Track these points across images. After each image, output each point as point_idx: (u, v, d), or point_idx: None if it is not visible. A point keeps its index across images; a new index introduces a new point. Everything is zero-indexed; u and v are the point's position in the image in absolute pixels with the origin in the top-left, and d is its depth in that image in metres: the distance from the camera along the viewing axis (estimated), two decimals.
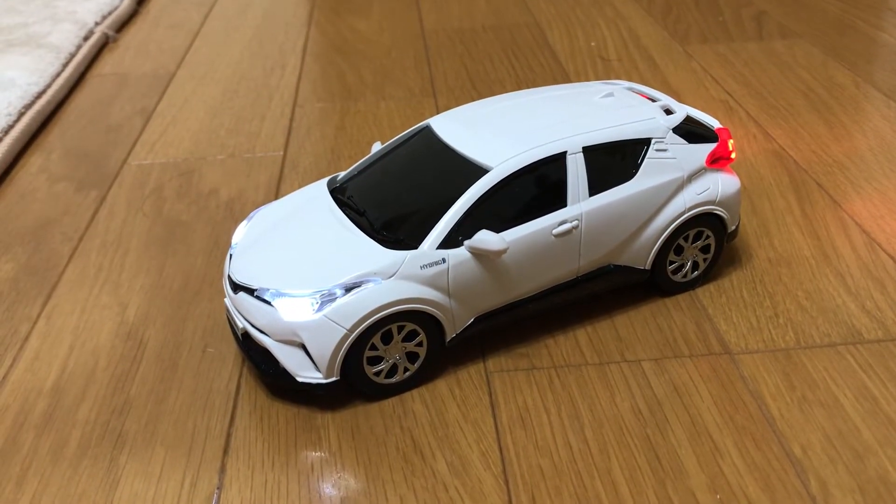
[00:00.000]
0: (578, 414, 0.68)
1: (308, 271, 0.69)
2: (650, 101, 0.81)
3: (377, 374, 0.70)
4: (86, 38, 1.50)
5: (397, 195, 0.75)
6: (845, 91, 1.23)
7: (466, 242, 0.69)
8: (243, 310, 0.71)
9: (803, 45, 1.39)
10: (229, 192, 1.03)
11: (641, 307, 0.80)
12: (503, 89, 1.28)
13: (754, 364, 0.72)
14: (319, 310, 0.67)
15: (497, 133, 0.75)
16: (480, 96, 1.26)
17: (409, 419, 0.69)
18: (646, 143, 0.75)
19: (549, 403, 0.69)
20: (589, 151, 0.73)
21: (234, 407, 0.71)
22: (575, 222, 0.72)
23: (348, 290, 0.67)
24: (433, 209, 0.70)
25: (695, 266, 0.81)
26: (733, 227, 0.82)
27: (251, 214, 0.79)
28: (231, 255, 0.75)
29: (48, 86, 1.31)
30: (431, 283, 0.69)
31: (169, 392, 0.73)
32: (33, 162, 1.13)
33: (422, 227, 0.70)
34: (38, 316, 0.83)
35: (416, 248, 0.69)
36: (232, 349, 0.77)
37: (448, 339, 0.72)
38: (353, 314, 0.67)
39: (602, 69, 1.34)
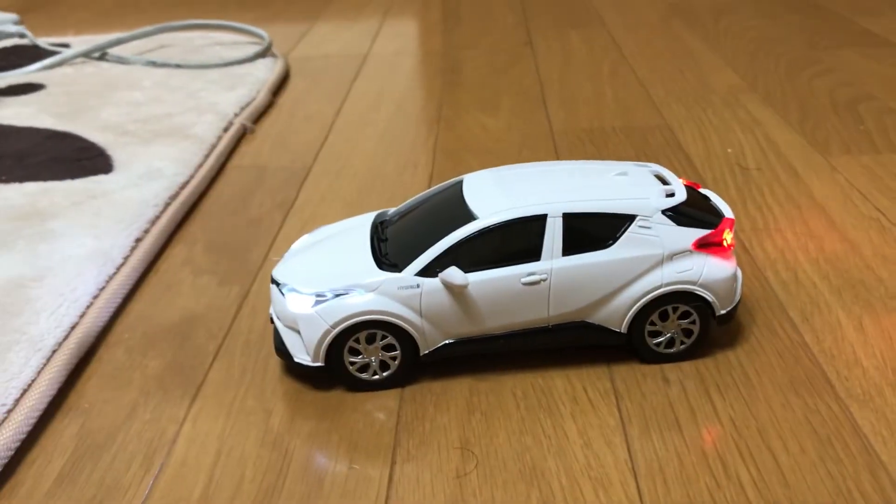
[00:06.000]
0: None
1: (317, 276, 0.85)
2: (659, 184, 0.87)
3: (352, 364, 0.84)
4: (226, 129, 1.55)
5: (411, 229, 0.88)
6: None
7: (439, 274, 0.82)
8: (273, 299, 0.88)
9: None
10: None
11: (807, 447, 0.75)
12: None
13: None
14: (314, 306, 0.83)
15: (503, 191, 0.86)
16: None
17: None
18: (630, 218, 0.83)
19: None
20: (569, 217, 0.83)
21: None
22: (544, 276, 0.83)
23: (338, 295, 0.83)
24: (426, 244, 0.83)
25: (681, 340, 0.87)
26: (724, 311, 0.87)
27: (314, 230, 0.97)
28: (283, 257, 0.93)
29: (192, 176, 1.35)
30: (406, 302, 0.83)
31: None
32: (177, 253, 1.17)
33: (411, 256, 0.84)
34: (185, 418, 0.84)
35: (400, 272, 0.83)
36: (378, 467, 0.76)
37: (422, 353, 0.85)
38: (335, 314, 0.82)
39: (741, 178, 1.30)
